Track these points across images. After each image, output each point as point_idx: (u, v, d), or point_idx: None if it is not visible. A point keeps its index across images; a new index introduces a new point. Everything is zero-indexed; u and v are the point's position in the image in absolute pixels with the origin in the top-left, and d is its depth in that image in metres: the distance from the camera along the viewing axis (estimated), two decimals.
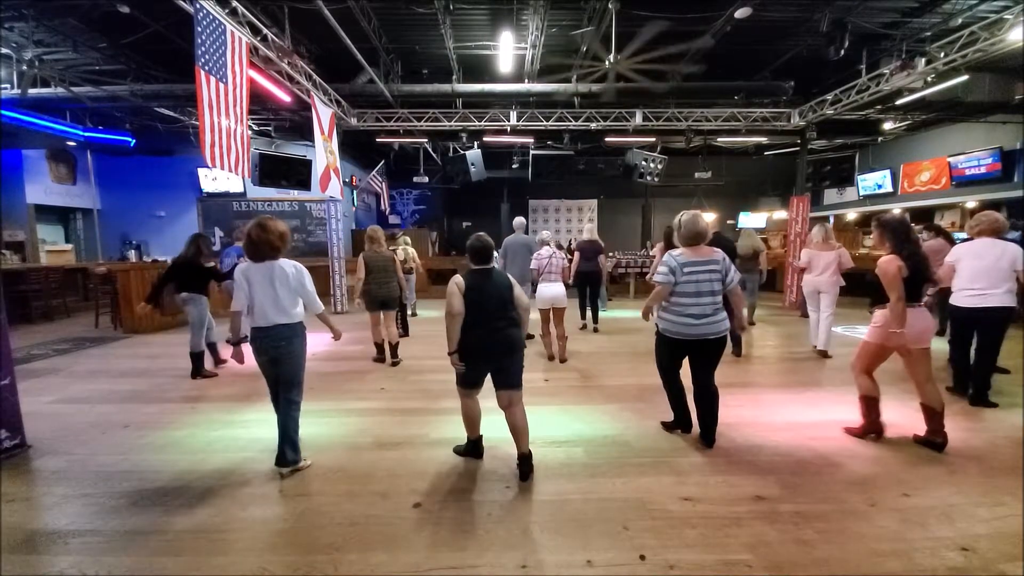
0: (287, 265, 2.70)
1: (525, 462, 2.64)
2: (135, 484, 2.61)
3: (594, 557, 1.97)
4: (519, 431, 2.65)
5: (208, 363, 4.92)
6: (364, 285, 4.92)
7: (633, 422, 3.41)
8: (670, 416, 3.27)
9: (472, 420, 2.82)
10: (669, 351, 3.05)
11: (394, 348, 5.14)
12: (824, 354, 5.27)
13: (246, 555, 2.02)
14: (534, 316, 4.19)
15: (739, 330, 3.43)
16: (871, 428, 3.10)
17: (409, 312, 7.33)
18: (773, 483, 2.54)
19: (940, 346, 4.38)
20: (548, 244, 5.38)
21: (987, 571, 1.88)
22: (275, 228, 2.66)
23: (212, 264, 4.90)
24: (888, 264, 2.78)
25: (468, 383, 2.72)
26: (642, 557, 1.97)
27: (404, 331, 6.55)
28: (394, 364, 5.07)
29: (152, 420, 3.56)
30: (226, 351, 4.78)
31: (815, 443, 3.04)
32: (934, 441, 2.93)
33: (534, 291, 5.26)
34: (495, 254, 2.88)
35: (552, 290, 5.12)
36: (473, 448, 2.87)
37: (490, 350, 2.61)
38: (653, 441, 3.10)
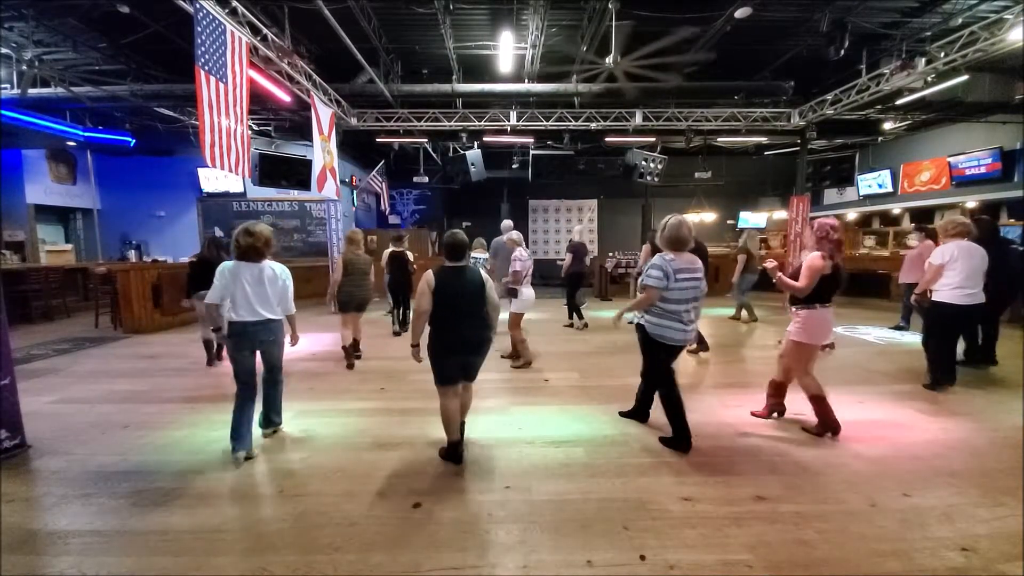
0: (276, 267, 3.00)
1: (462, 428, 2.89)
2: (135, 484, 2.61)
3: (594, 557, 1.97)
4: (466, 407, 2.94)
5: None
6: (342, 286, 4.97)
7: (633, 422, 3.40)
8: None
9: (450, 420, 2.80)
10: (668, 358, 3.02)
11: (356, 344, 5.22)
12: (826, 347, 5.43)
13: (246, 555, 2.02)
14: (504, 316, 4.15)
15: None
16: (831, 426, 3.13)
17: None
18: (773, 483, 2.54)
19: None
20: (521, 245, 5.07)
21: (987, 571, 1.88)
22: (261, 234, 2.91)
23: None
24: (816, 260, 3.01)
25: (444, 380, 2.77)
26: (642, 557, 1.97)
27: (403, 328, 6.66)
28: (355, 360, 5.11)
29: (152, 420, 3.56)
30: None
31: (815, 443, 3.04)
32: (832, 428, 3.11)
33: (514, 295, 4.95)
34: (481, 253, 3.00)
35: (532, 293, 5.04)
36: (452, 452, 2.81)
37: (460, 349, 2.71)
38: (653, 441, 3.09)
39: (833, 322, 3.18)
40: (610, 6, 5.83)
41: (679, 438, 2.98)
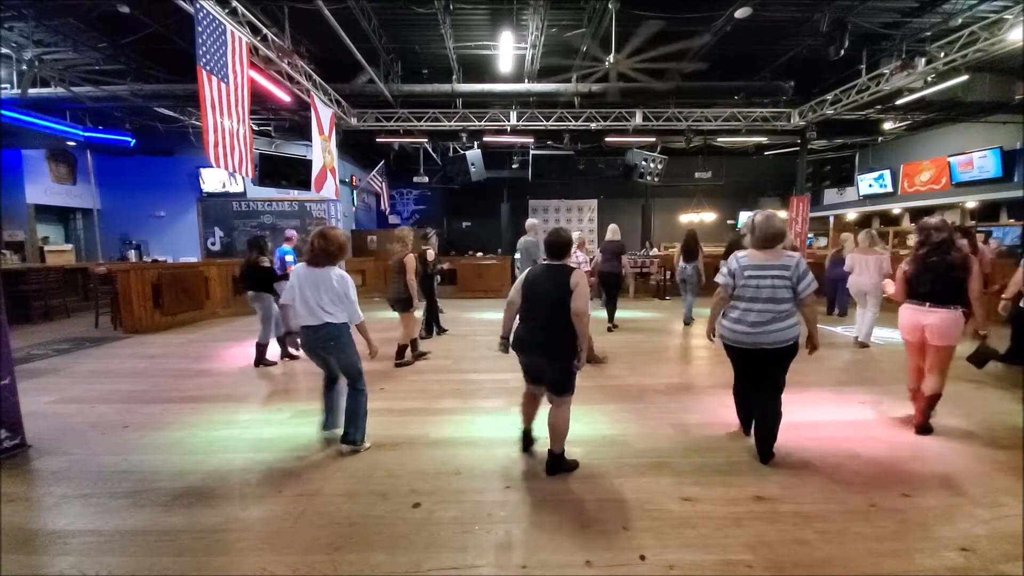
0: (334, 274, 2.89)
1: (551, 458, 2.68)
2: (135, 484, 2.61)
3: (594, 557, 1.97)
4: (552, 429, 2.66)
5: (274, 354, 5.24)
6: None
7: (633, 422, 3.41)
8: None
9: (523, 411, 2.88)
10: (735, 362, 2.91)
11: (398, 350, 5.08)
12: (863, 345, 5.58)
13: (246, 555, 2.02)
14: None
15: (810, 350, 2.80)
16: (918, 422, 3.22)
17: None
18: (773, 483, 2.54)
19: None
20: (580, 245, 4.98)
21: (987, 571, 1.88)
22: (335, 239, 2.90)
23: (268, 265, 5.13)
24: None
25: (524, 374, 2.78)
26: (642, 557, 1.97)
27: (428, 332, 6.42)
28: (400, 363, 5.05)
29: (152, 420, 3.56)
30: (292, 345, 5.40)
31: (815, 443, 3.04)
32: (919, 424, 3.21)
33: None
34: (572, 249, 2.74)
35: None
36: (522, 438, 2.92)
37: (527, 347, 2.66)
38: (653, 441, 3.10)
39: (917, 319, 3.12)
40: (610, 6, 5.83)
41: (744, 426, 3.05)
